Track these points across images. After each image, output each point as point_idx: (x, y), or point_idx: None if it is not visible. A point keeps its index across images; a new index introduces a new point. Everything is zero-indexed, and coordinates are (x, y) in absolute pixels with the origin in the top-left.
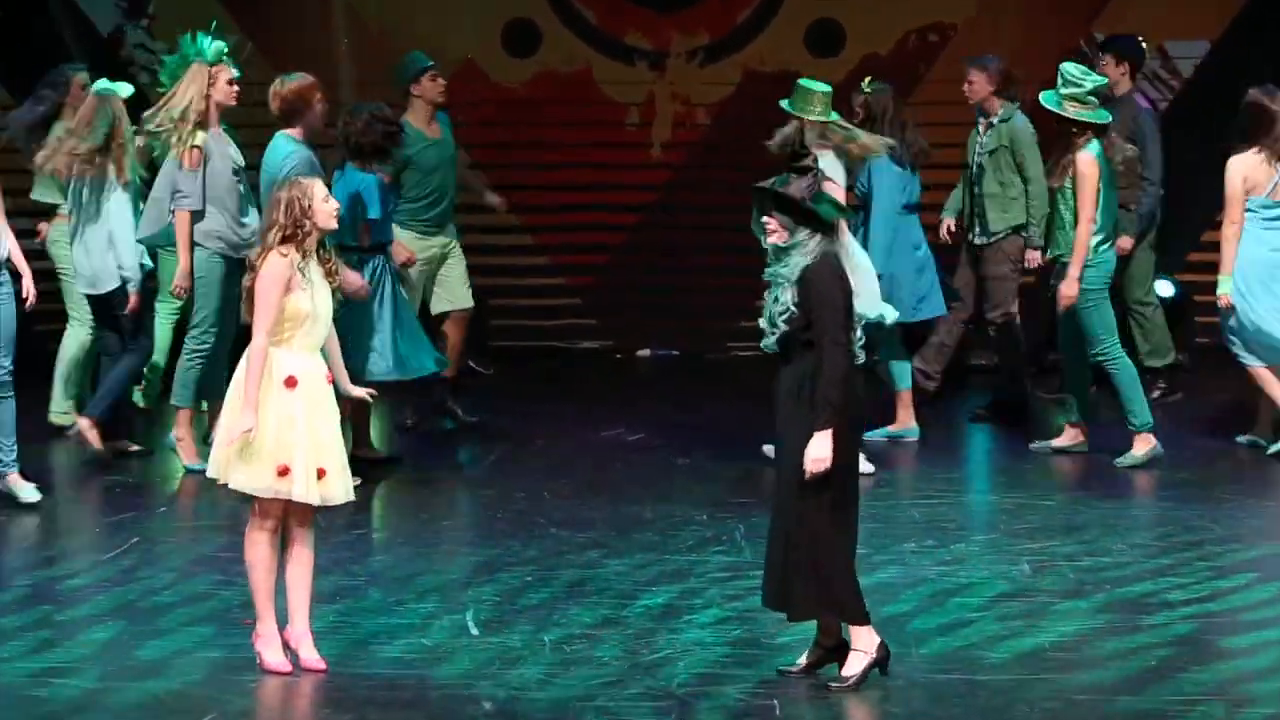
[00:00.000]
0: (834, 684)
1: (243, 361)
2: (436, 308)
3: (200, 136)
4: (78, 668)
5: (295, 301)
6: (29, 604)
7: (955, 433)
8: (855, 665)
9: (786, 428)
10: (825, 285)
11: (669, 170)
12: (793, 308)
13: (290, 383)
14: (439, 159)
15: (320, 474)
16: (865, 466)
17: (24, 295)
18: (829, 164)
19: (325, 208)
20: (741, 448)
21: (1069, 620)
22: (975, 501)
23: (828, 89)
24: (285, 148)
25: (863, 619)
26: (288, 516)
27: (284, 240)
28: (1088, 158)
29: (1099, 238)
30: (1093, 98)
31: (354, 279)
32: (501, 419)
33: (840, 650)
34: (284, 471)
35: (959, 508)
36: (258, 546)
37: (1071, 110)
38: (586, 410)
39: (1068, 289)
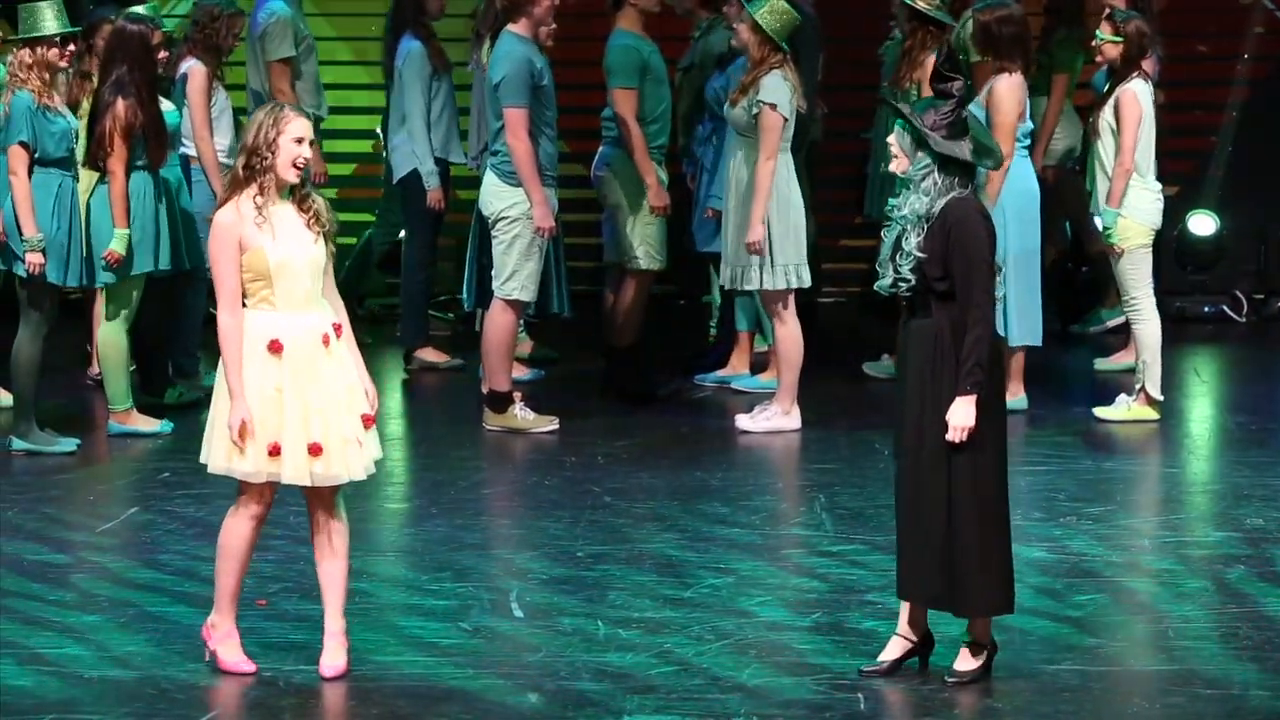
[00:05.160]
0: (951, 678)
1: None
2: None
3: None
4: (67, 654)
5: (259, 255)
6: (22, 575)
7: (1064, 392)
8: (973, 660)
9: (927, 398)
10: (971, 230)
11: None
12: (917, 254)
13: (275, 348)
14: (666, 71)
15: (314, 450)
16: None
17: None
18: (774, 85)
19: (291, 149)
20: (821, 406)
21: (1196, 604)
22: (1089, 469)
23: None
24: (503, 47)
25: (998, 609)
26: (309, 502)
27: (243, 174)
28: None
29: None
30: None
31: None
32: (545, 376)
33: (927, 643)
34: (275, 451)
35: (1070, 476)
36: (237, 534)
37: (922, 3)
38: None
39: None
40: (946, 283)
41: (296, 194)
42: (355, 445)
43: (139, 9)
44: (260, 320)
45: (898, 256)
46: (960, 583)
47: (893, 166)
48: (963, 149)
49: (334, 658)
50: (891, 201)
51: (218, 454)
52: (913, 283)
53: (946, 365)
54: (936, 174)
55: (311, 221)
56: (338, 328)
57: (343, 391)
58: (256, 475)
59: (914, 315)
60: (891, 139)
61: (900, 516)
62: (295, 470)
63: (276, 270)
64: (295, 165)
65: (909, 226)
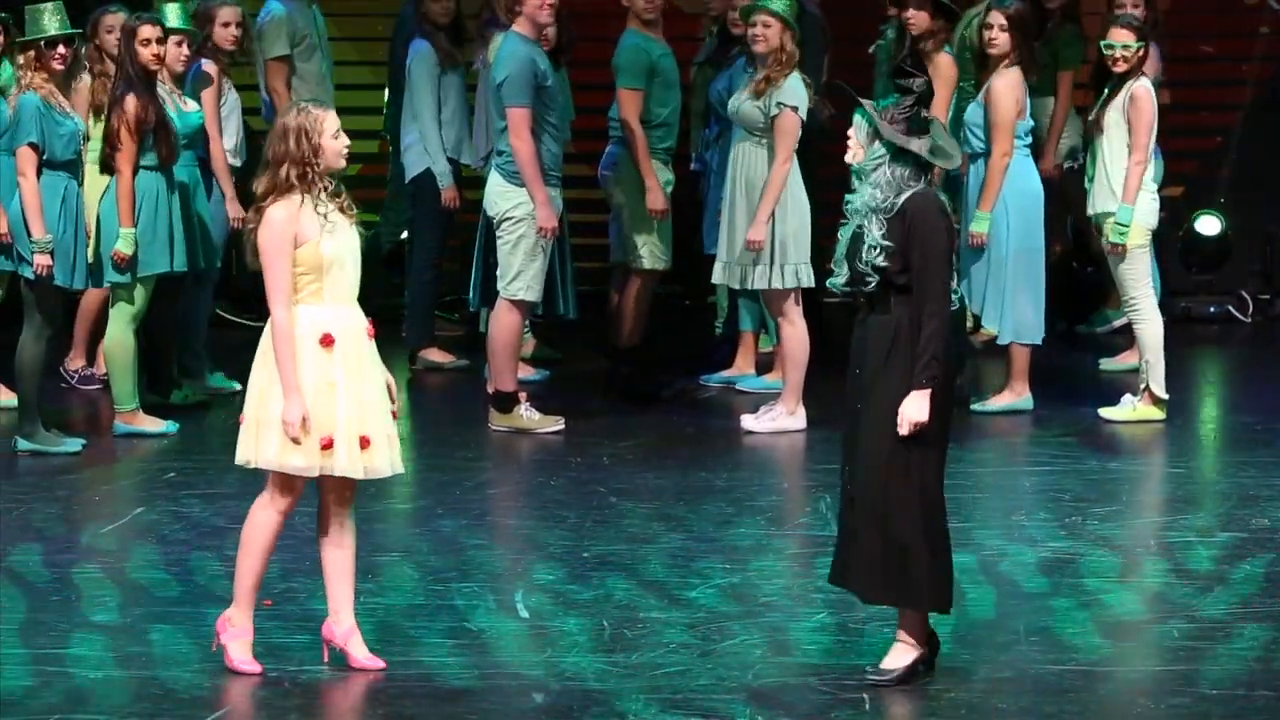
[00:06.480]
0: (871, 672)
1: (266, 334)
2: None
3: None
4: (72, 653)
5: (312, 249)
6: (27, 575)
7: (1069, 392)
8: (901, 658)
9: (875, 388)
10: (930, 223)
11: None
12: (882, 243)
13: (326, 341)
14: (676, 74)
15: (364, 443)
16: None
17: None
18: (795, 87)
19: (334, 145)
20: (826, 406)
21: (1201, 604)
22: (1094, 469)
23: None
24: (504, 47)
25: (941, 606)
26: (325, 495)
27: (298, 185)
28: (946, 59)
29: None
30: None
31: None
32: (551, 376)
33: (931, 643)
34: (329, 445)
35: (1075, 476)
36: (264, 528)
37: None
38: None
39: None
40: (905, 276)
41: (329, 187)
42: (394, 441)
43: (167, 10)
44: (310, 315)
45: (857, 254)
46: (898, 578)
47: (847, 157)
48: (919, 145)
49: (366, 650)
50: (848, 197)
51: (268, 449)
52: (874, 277)
53: (900, 359)
54: (888, 166)
55: (348, 210)
56: (374, 320)
57: (382, 385)
58: (310, 470)
59: (872, 311)
60: (851, 131)
61: (841, 509)
62: (349, 462)
63: (329, 263)
64: (342, 156)
65: (865, 219)
